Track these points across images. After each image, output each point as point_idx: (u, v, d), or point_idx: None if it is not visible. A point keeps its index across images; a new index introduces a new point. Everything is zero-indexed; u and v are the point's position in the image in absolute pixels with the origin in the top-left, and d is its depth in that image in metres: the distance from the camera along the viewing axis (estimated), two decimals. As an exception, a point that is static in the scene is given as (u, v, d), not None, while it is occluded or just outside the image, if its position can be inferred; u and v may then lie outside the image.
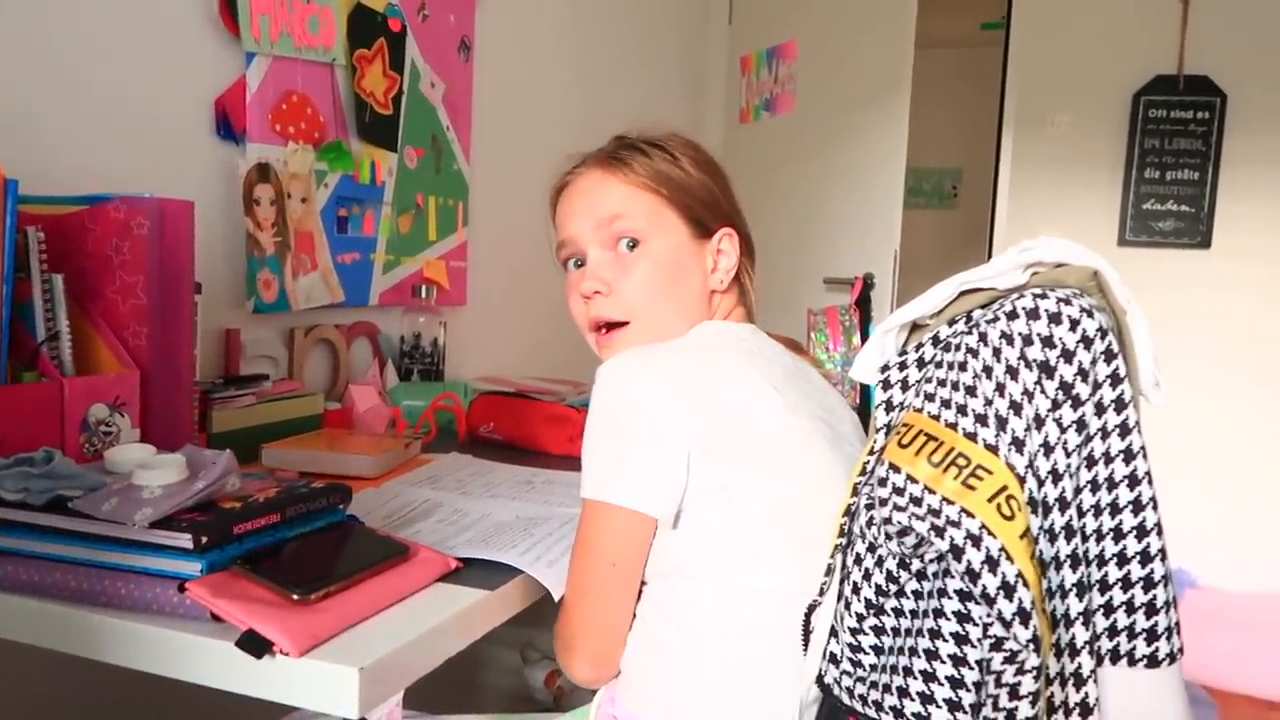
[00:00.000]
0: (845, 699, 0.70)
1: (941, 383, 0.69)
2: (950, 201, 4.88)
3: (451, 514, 1.11)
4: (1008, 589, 0.60)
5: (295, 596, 0.76)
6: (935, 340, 0.74)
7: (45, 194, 1.02)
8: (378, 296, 1.79)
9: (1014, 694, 0.60)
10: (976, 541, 0.61)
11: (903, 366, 0.75)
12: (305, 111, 1.58)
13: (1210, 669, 2.76)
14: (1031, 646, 0.59)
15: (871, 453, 0.73)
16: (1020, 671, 0.60)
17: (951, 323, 0.74)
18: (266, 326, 1.55)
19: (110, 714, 1.26)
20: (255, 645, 0.71)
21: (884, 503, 0.66)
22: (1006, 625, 0.60)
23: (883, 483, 0.68)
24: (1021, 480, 0.64)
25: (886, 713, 0.66)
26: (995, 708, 0.61)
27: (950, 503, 0.63)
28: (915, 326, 0.78)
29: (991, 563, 0.60)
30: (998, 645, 0.61)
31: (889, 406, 0.73)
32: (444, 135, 1.95)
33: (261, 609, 0.74)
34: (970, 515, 0.62)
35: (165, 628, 0.75)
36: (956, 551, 0.61)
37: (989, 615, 0.61)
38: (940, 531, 0.62)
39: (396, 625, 0.78)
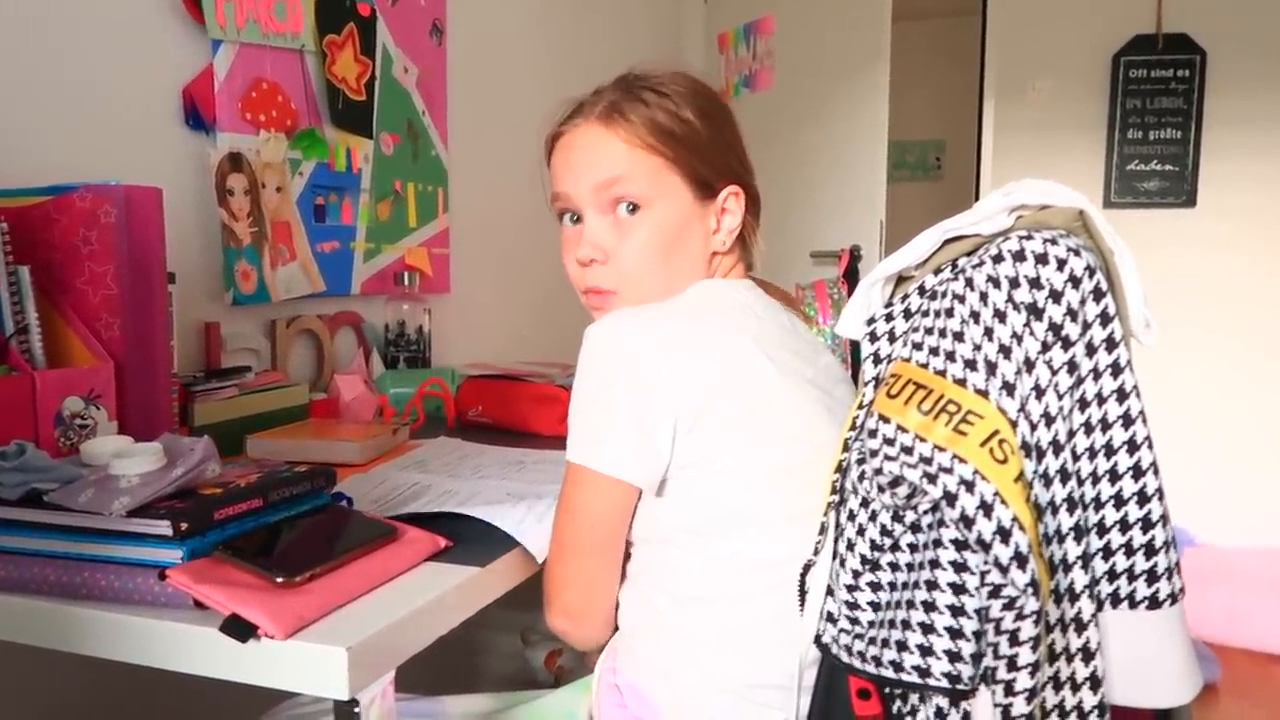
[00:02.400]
0: (844, 657, 0.69)
1: (929, 331, 0.68)
2: (935, 173, 4.86)
3: (440, 496, 1.09)
4: (1003, 533, 0.58)
5: (279, 579, 0.74)
6: (921, 290, 0.73)
7: (8, 187, 1.00)
8: (360, 285, 1.76)
9: (1014, 640, 0.59)
10: (970, 487, 0.59)
11: (889, 318, 0.74)
12: (276, 99, 1.55)
13: (1210, 624, 2.76)
14: (1030, 591, 0.58)
15: (861, 406, 0.72)
16: (1020, 617, 0.59)
17: (937, 271, 0.73)
18: (247, 319, 1.53)
19: (102, 710, 1.24)
20: (240, 629, 0.69)
21: (874, 454, 0.65)
22: (1004, 570, 0.59)
23: (873, 434, 0.66)
24: (1014, 424, 0.62)
25: (886, 667, 0.65)
26: (996, 655, 0.60)
27: (942, 450, 0.61)
28: (901, 278, 0.76)
29: (986, 508, 0.59)
30: (996, 592, 0.60)
31: (877, 359, 0.72)
32: (420, 121, 1.93)
33: (245, 593, 0.72)
34: (962, 461, 0.60)
35: (147, 617, 0.73)
36: (950, 498, 0.60)
37: (986, 562, 0.60)
38: (933, 479, 0.60)
39: (385, 605, 0.76)
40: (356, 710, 0.70)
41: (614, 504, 0.86)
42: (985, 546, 0.59)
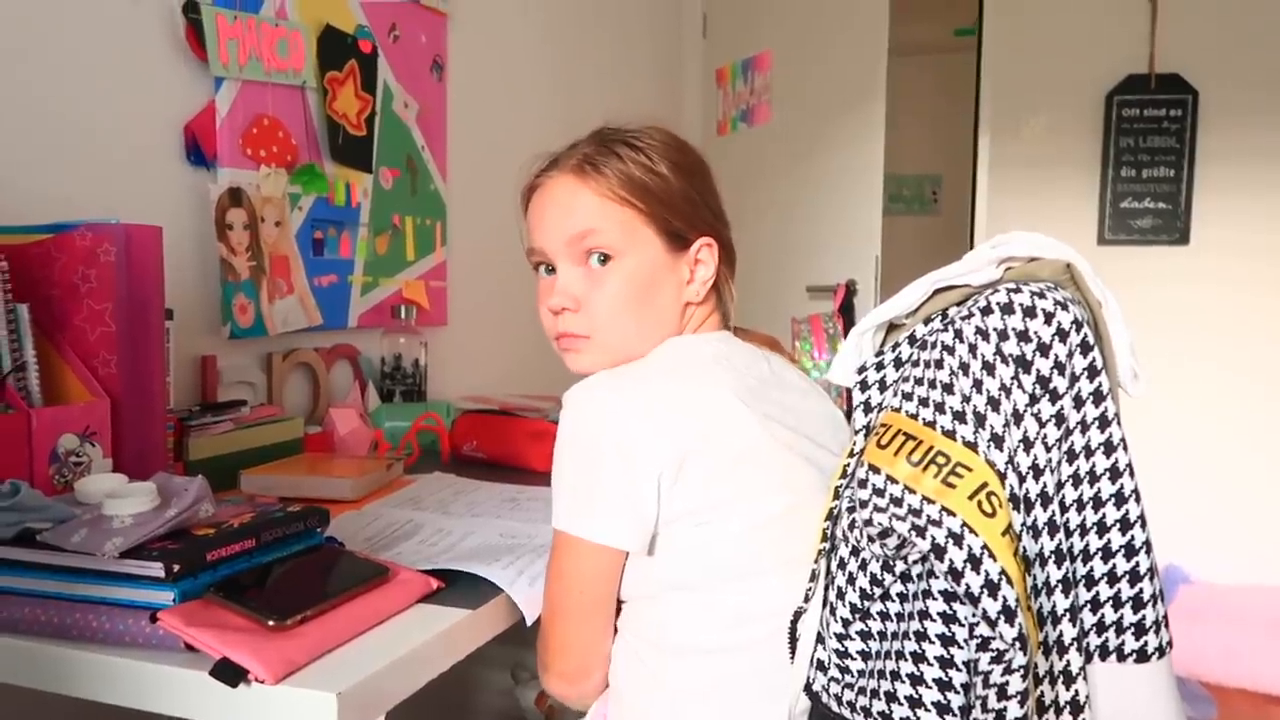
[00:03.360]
0: (834, 706, 0.69)
1: (919, 381, 0.69)
2: (931, 207, 4.89)
3: (434, 534, 1.09)
4: (991, 587, 0.59)
5: (271, 623, 0.75)
6: (912, 339, 0.73)
7: (9, 224, 1.01)
8: (357, 318, 1.77)
9: (1002, 694, 0.59)
10: (958, 540, 0.60)
11: (880, 367, 0.74)
12: (277, 135, 1.57)
13: (1206, 664, 2.75)
14: (1018, 645, 0.58)
15: (851, 455, 0.72)
16: (1008, 671, 0.59)
17: (927, 321, 0.73)
18: (243, 352, 1.53)
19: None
20: (229, 674, 0.69)
21: (864, 504, 0.65)
22: (992, 624, 0.59)
23: (863, 484, 0.67)
24: (1002, 477, 0.63)
25: (875, 718, 0.65)
26: (984, 709, 0.60)
27: (931, 502, 0.62)
28: (892, 326, 0.77)
29: (974, 561, 0.59)
30: (984, 645, 0.60)
31: (867, 408, 0.72)
32: (419, 156, 1.95)
33: (235, 636, 0.72)
34: (951, 514, 0.61)
35: (138, 659, 0.73)
36: (938, 551, 0.60)
37: (974, 615, 0.60)
38: (921, 531, 0.61)
39: (376, 648, 0.76)
40: (345, 756, 0.70)
41: (604, 568, 0.87)
42: (974, 600, 0.59)
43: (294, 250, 1.61)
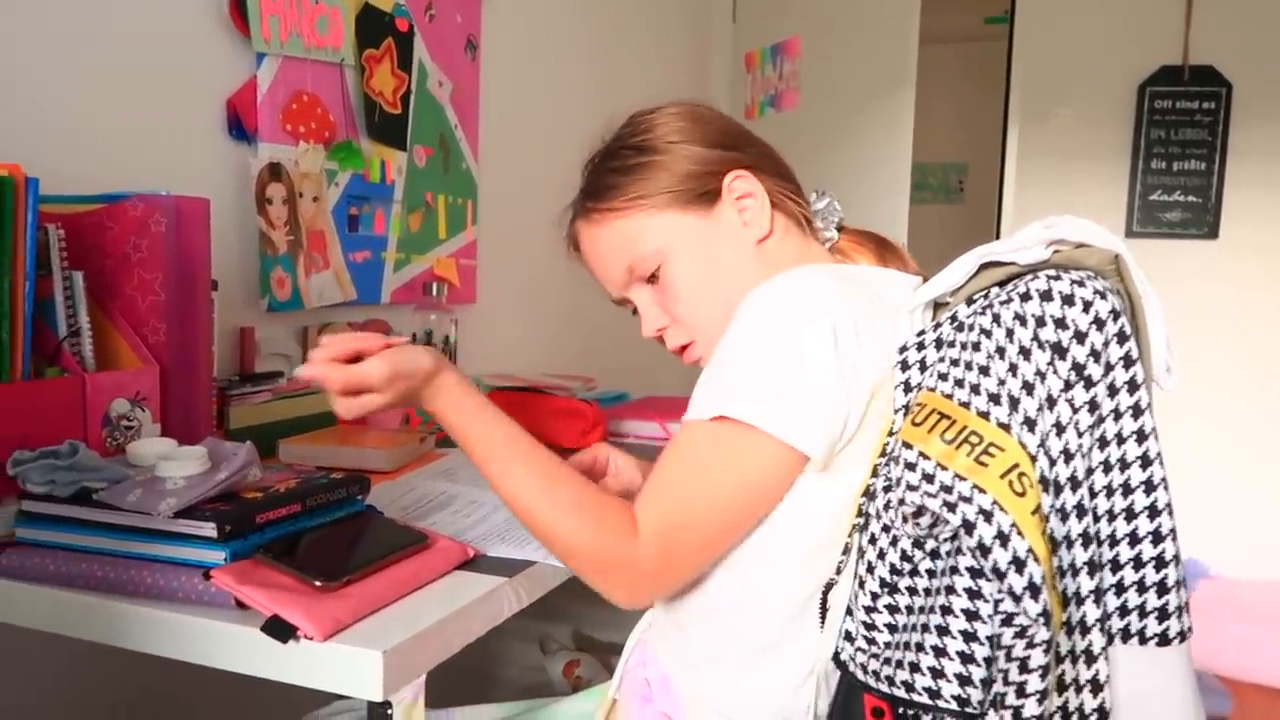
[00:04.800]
0: (860, 675, 0.71)
1: (955, 362, 0.70)
2: (957, 196, 4.87)
3: (467, 505, 1.12)
4: (1018, 563, 0.60)
5: (318, 583, 0.77)
6: (954, 320, 0.74)
7: (63, 193, 1.04)
8: (389, 294, 1.80)
9: (1024, 667, 0.61)
10: (988, 517, 0.61)
11: (920, 347, 0.75)
12: (315, 111, 1.59)
13: (1224, 658, 2.76)
14: (1042, 620, 0.60)
15: (892, 433, 0.74)
16: (1030, 645, 0.61)
17: (969, 301, 0.75)
18: (280, 325, 1.56)
19: (138, 707, 1.27)
20: (280, 630, 0.72)
21: (899, 482, 0.67)
22: (1017, 599, 0.61)
23: (897, 461, 0.69)
24: (1033, 459, 0.64)
25: (899, 688, 0.67)
26: (1005, 681, 0.62)
27: (962, 479, 0.63)
28: (938, 306, 0.78)
29: (1003, 538, 0.61)
30: (1008, 620, 0.62)
31: (907, 387, 0.73)
32: (452, 134, 1.96)
33: (285, 595, 0.75)
34: (982, 491, 0.62)
35: (191, 614, 0.76)
36: (968, 526, 0.62)
37: (1000, 590, 0.62)
38: (952, 507, 0.62)
39: (417, 611, 0.79)
40: (389, 712, 0.73)
41: (774, 481, 0.75)
42: (1000, 575, 0.61)
43: (330, 225, 1.63)
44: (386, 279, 1.79)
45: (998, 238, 3.19)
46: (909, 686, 0.67)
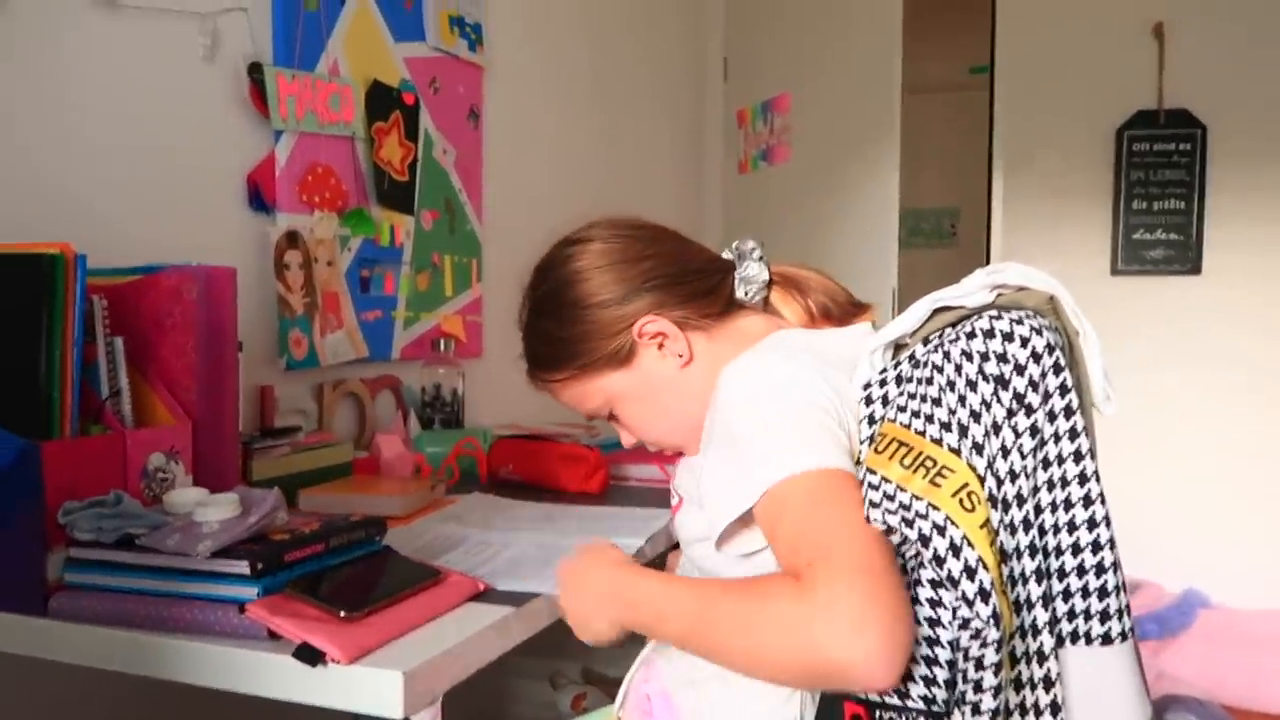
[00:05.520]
0: (839, 684, 0.78)
1: (912, 396, 0.78)
2: (950, 240, 4.99)
3: (477, 545, 1.19)
4: (969, 571, 0.68)
5: (342, 614, 0.85)
6: (912, 359, 0.83)
7: (103, 265, 1.13)
8: (399, 351, 1.89)
9: (979, 665, 0.68)
10: (942, 531, 0.69)
11: (882, 384, 0.84)
12: (329, 182, 1.70)
13: (1228, 687, 2.78)
14: (992, 621, 0.68)
15: (858, 463, 0.81)
16: (983, 645, 0.68)
17: (926, 341, 0.83)
18: (298, 382, 1.65)
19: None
20: (309, 656, 0.80)
21: (873, 505, 0.74)
22: (970, 604, 0.68)
23: (863, 486, 0.76)
24: (981, 479, 0.72)
25: (873, 693, 0.74)
26: (964, 679, 0.69)
27: (919, 499, 0.71)
28: (899, 347, 0.87)
29: (955, 549, 0.68)
30: (965, 624, 0.69)
31: (871, 420, 0.81)
32: (457, 198, 2.07)
33: (313, 625, 0.83)
34: (936, 509, 0.70)
35: (228, 646, 0.84)
36: (924, 540, 0.69)
37: (957, 599, 0.69)
38: (910, 523, 0.70)
39: (434, 637, 0.86)
40: (409, 730, 0.80)
41: (858, 493, 0.75)
42: (954, 583, 0.68)
43: (343, 288, 1.73)
44: (397, 336, 1.88)
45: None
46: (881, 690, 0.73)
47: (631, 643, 1.03)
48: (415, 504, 1.39)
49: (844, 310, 1.04)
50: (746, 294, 1.03)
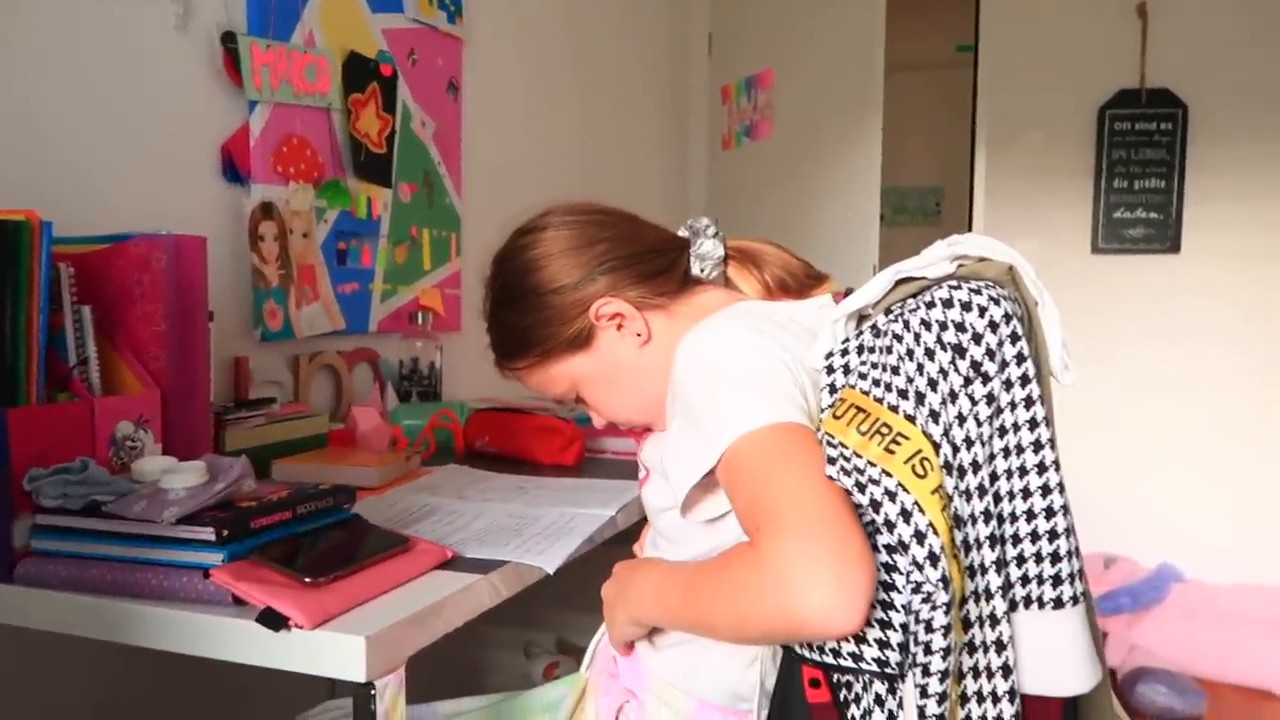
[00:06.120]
0: (796, 648, 0.79)
1: (874, 365, 0.79)
2: (934, 218, 4.99)
3: (449, 515, 1.20)
4: (919, 536, 0.69)
5: (307, 580, 0.85)
6: (874, 329, 0.83)
7: (73, 234, 1.13)
8: (377, 323, 1.89)
9: (929, 628, 0.69)
10: (893, 497, 0.70)
11: (844, 353, 0.84)
12: (305, 153, 1.69)
13: (1201, 660, 2.83)
14: (941, 585, 0.69)
15: (818, 429, 0.82)
16: (934, 608, 0.69)
17: (888, 312, 0.84)
18: (273, 354, 1.65)
19: (139, 710, 1.34)
20: (273, 620, 0.80)
21: (831, 463, 0.75)
22: (919, 568, 0.69)
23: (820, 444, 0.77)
24: (936, 446, 0.73)
25: (827, 655, 0.75)
26: (915, 642, 0.70)
27: (873, 465, 0.72)
28: (862, 317, 0.87)
29: (905, 514, 0.69)
30: (917, 589, 0.70)
31: (833, 389, 0.82)
32: (435, 171, 2.07)
33: (277, 590, 0.83)
34: (889, 475, 0.71)
35: (192, 611, 0.84)
36: (875, 505, 0.70)
37: (909, 563, 0.70)
38: (863, 488, 0.71)
39: (399, 603, 0.87)
40: (373, 693, 0.81)
41: (815, 444, 0.76)
42: (904, 547, 0.69)
43: (319, 260, 1.73)
44: (374, 309, 1.88)
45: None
46: (835, 653, 0.74)
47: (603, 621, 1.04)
48: (389, 475, 1.39)
49: (801, 283, 1.06)
50: (703, 270, 1.05)
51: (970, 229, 3.38)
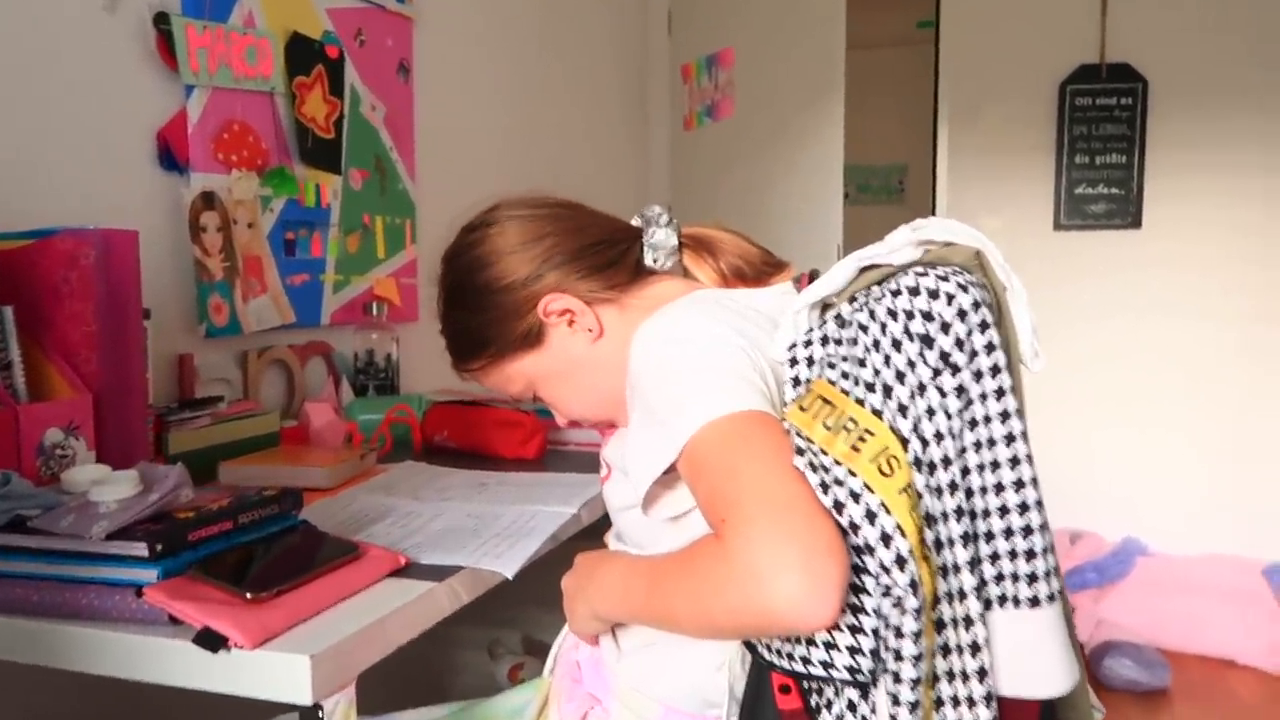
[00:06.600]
0: (766, 655, 0.75)
1: (841, 357, 0.75)
2: (898, 196, 4.99)
3: (404, 517, 1.15)
4: (885, 538, 0.66)
5: (248, 595, 0.81)
6: (838, 319, 0.80)
7: (-5, 230, 1.07)
8: (329, 316, 1.83)
9: (898, 634, 0.66)
10: (857, 497, 0.67)
11: (808, 344, 0.81)
12: (247, 139, 1.62)
13: (1166, 632, 2.86)
14: (910, 589, 0.65)
15: (782, 420, 0.78)
16: (903, 613, 0.66)
17: (852, 300, 0.80)
18: (219, 350, 1.59)
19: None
20: (211, 641, 0.76)
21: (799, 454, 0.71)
22: (886, 571, 0.66)
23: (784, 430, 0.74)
24: (905, 442, 0.70)
25: (797, 662, 0.71)
26: (885, 648, 0.67)
27: (839, 464, 0.68)
28: (825, 306, 0.84)
29: (871, 516, 0.66)
30: (887, 592, 0.67)
31: (796, 382, 0.78)
32: (387, 156, 2.00)
33: (216, 608, 0.78)
34: (854, 475, 0.67)
35: (126, 632, 0.79)
36: (839, 506, 0.67)
37: (877, 566, 0.67)
38: (826, 488, 0.68)
39: (347, 617, 0.82)
40: (321, 716, 0.76)
41: (780, 432, 0.73)
42: (870, 550, 0.66)
43: (266, 251, 1.66)
44: (326, 301, 1.82)
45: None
46: (805, 661, 0.71)
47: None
48: (343, 474, 1.34)
49: (759, 270, 1.02)
50: (656, 261, 1.01)
51: (933, 207, 3.37)
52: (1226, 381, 3.10)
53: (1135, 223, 3.10)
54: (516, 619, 1.60)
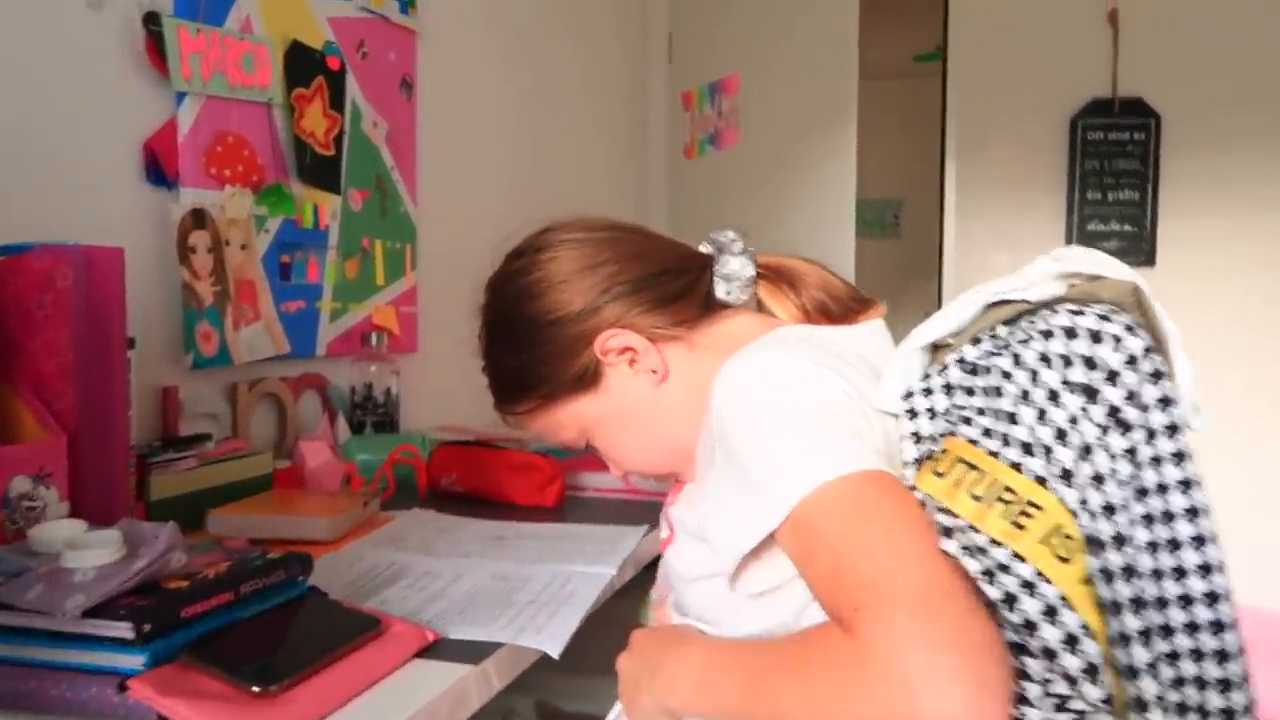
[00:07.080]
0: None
1: (979, 410, 0.63)
2: (893, 230, 4.92)
3: (420, 578, 1.02)
4: (1071, 641, 0.53)
5: (255, 689, 0.67)
6: (961, 362, 0.68)
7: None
8: (325, 346, 1.69)
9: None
10: (1031, 589, 0.54)
11: (928, 393, 0.69)
12: (242, 153, 1.49)
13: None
14: (1105, 705, 0.53)
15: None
16: (1088, 731, 0.54)
17: (976, 341, 0.68)
18: (207, 382, 1.44)
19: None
20: (212, 751, 0.62)
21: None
22: (1072, 682, 0.53)
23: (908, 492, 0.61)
24: (1074, 515, 0.57)
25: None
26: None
27: (998, 545, 0.56)
28: (936, 347, 0.72)
29: (1051, 612, 0.53)
30: (1062, 705, 0.55)
31: (918, 438, 0.66)
32: (389, 176, 1.87)
33: (217, 706, 0.65)
34: (1021, 560, 0.55)
35: (105, 734, 0.65)
36: (1010, 601, 0.54)
37: (1049, 671, 0.55)
38: (990, 577, 0.55)
39: (372, 712, 0.69)
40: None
41: (911, 499, 0.62)
42: (1051, 655, 0.53)
43: (260, 274, 1.52)
44: (322, 330, 1.68)
45: (939, 269, 3.16)
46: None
47: (599, 680, 0.87)
48: (346, 525, 1.20)
49: (845, 307, 0.89)
50: (729, 293, 0.88)
51: (940, 240, 3.28)
52: (1247, 422, 3.02)
53: (1149, 260, 3.03)
54: (529, 682, 1.45)
